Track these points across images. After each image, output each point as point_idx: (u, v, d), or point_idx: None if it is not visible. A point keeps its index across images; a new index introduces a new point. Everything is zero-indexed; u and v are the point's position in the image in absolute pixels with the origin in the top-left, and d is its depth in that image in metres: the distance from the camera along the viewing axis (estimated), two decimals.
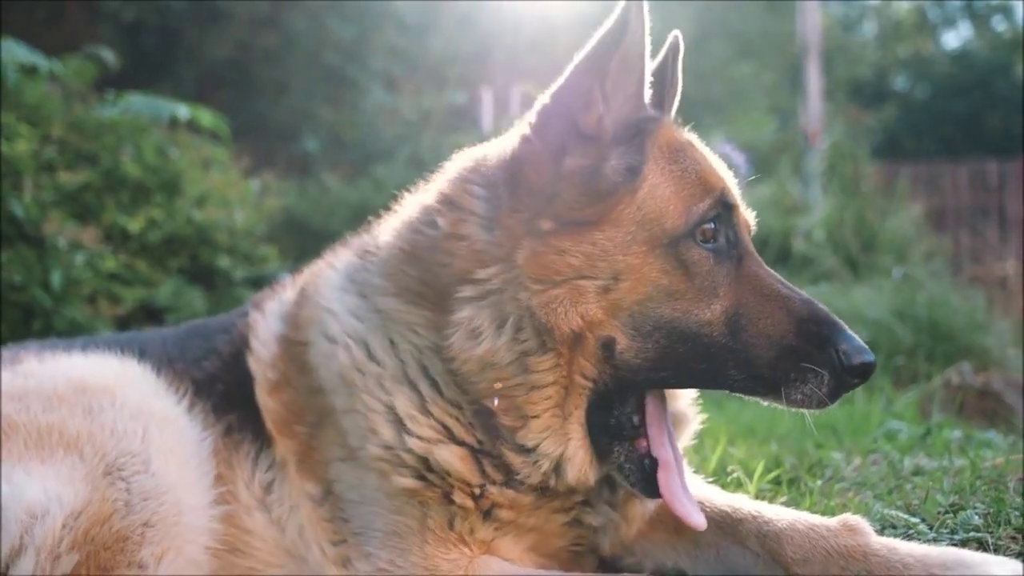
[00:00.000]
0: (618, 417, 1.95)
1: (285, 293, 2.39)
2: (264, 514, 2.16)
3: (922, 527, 2.24)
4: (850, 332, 1.89)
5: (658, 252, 1.90)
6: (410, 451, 1.97)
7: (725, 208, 1.97)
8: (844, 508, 2.40)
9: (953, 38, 40.00)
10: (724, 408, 4.63)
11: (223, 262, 6.25)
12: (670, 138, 2.04)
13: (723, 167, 2.10)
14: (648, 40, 1.97)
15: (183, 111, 6.12)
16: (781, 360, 1.87)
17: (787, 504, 2.52)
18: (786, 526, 2.03)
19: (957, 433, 3.75)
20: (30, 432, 1.98)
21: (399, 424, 1.99)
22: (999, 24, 38.72)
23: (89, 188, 5.73)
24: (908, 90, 34.51)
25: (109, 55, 6.66)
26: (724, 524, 2.15)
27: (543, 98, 2.02)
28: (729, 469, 2.80)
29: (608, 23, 1.92)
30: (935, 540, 2.13)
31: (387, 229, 2.21)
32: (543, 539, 2.05)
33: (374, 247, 2.20)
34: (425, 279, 2.03)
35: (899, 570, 1.83)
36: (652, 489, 1.95)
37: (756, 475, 2.73)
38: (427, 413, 1.99)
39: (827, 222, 8.87)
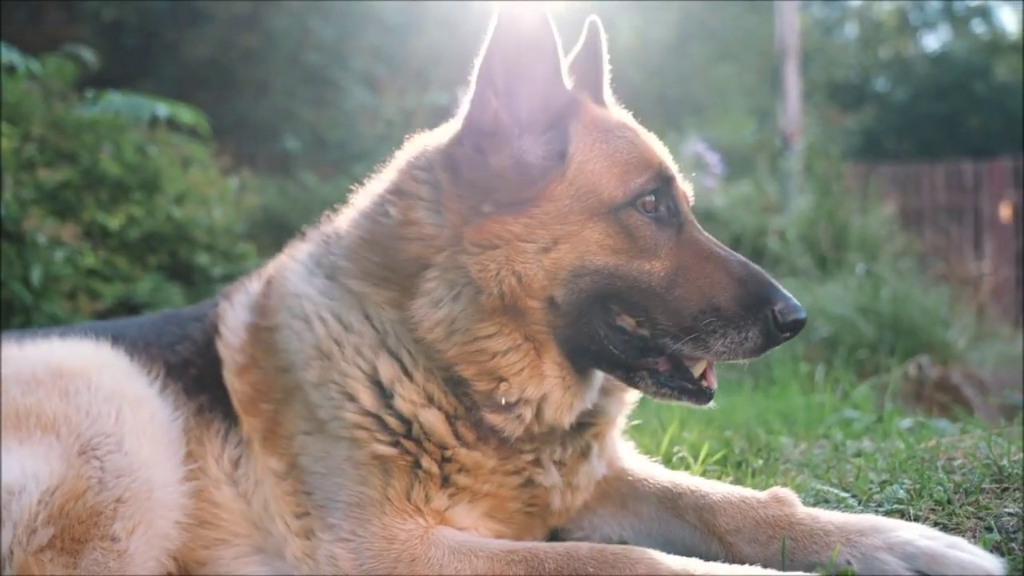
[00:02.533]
0: (600, 343, 2.09)
1: (252, 285, 2.52)
2: (232, 488, 2.28)
3: (851, 501, 2.39)
4: (784, 291, 2.05)
5: (598, 219, 2.06)
6: (396, 414, 2.11)
7: (663, 181, 2.14)
8: (784, 486, 2.53)
9: (933, 40, 40.33)
10: None
11: (202, 259, 6.33)
12: (598, 117, 2.21)
13: (658, 143, 2.26)
14: (542, 32, 2.11)
15: (162, 109, 6.20)
16: (709, 313, 2.01)
17: (732, 483, 2.66)
18: (720, 499, 2.18)
19: (908, 422, 3.89)
20: (9, 415, 2.08)
21: (381, 389, 2.13)
22: (978, 27, 39.09)
23: (69, 186, 5.80)
24: (888, 91, 34.77)
25: (89, 54, 6.73)
26: (665, 499, 2.29)
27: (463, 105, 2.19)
28: (675, 450, 2.94)
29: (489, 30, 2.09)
30: (862, 512, 2.26)
31: (346, 220, 2.35)
32: (498, 503, 2.19)
33: (335, 236, 2.34)
34: (387, 264, 2.18)
35: (820, 536, 1.98)
36: (696, 381, 2.10)
37: (701, 456, 2.86)
38: (411, 379, 2.13)
39: (800, 221, 9.04)
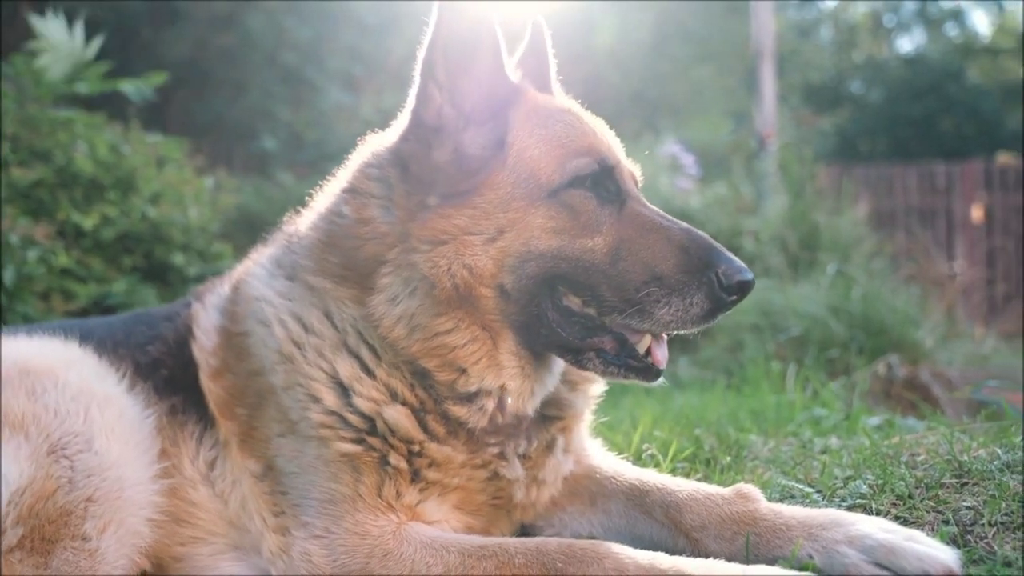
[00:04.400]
0: (549, 327, 2.14)
1: (222, 287, 2.54)
2: (208, 488, 2.31)
3: (816, 496, 2.43)
4: (729, 254, 2.09)
5: (539, 203, 2.12)
6: (357, 412, 2.14)
7: (602, 163, 2.18)
8: (751, 482, 2.57)
9: (907, 43, 40.74)
10: (653, 395, 4.82)
11: (177, 259, 6.31)
12: (539, 105, 2.27)
13: (603, 127, 2.33)
14: (483, 26, 2.16)
15: (131, 90, 6.14)
16: (652, 283, 2.06)
17: (700, 480, 2.70)
18: (686, 496, 2.22)
19: (876, 419, 3.95)
20: None
21: (342, 389, 2.16)
22: (951, 30, 39.53)
23: (42, 185, 5.76)
24: (863, 94, 35.06)
25: None
26: (633, 496, 2.33)
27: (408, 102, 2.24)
28: (645, 447, 2.97)
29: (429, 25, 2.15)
30: (826, 507, 2.31)
31: (306, 221, 2.41)
32: (466, 496, 2.22)
33: (296, 237, 2.38)
34: (345, 263, 2.22)
35: (783, 531, 2.02)
36: (642, 358, 2.15)
37: (671, 453, 2.90)
38: (372, 375, 2.17)
39: (773, 222, 9.11)
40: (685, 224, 2.17)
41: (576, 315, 2.14)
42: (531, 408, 2.23)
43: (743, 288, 2.07)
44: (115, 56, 7.35)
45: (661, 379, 2.19)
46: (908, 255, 9.87)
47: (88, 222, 5.80)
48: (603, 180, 2.18)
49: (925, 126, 30.75)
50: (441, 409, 2.17)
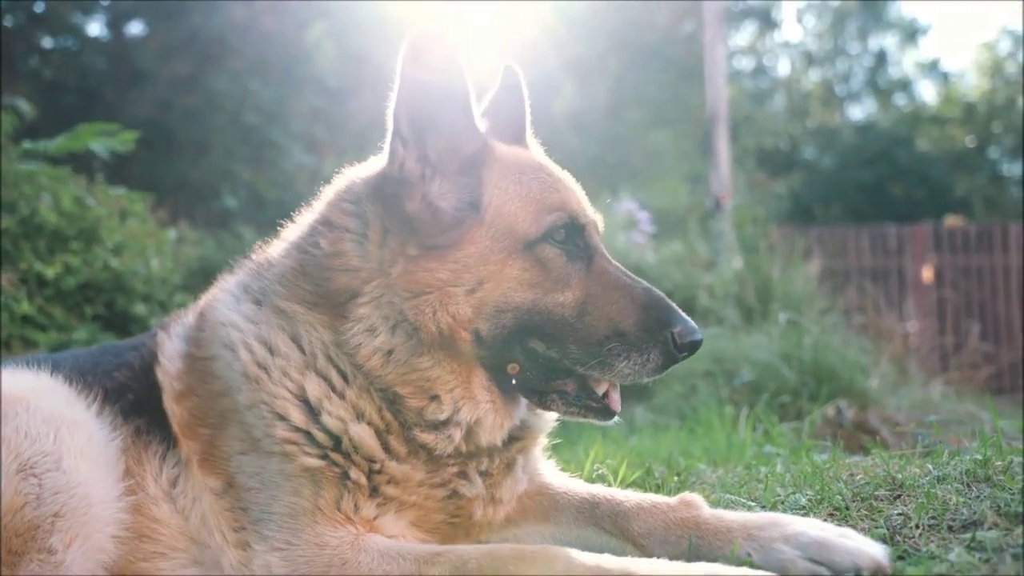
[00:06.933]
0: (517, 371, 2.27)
1: (187, 317, 2.63)
2: (170, 504, 2.37)
3: (757, 508, 2.54)
4: (684, 315, 2.25)
5: (515, 256, 2.24)
6: (324, 430, 2.23)
7: (572, 217, 2.32)
8: None
9: (858, 111, 41.97)
10: (609, 437, 4.92)
11: (139, 309, 6.34)
12: (512, 160, 2.40)
13: (571, 181, 2.45)
14: (449, 78, 2.23)
15: (98, 146, 6.22)
16: (613, 338, 2.21)
17: None
18: (633, 505, 2.33)
19: (824, 456, 4.07)
20: None
21: (309, 408, 2.25)
22: (900, 99, 40.86)
23: (6, 234, 5.80)
24: (816, 160, 35.98)
25: (25, 106, 6.79)
26: (583, 509, 2.43)
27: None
28: (596, 467, 3.07)
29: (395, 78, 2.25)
30: None
31: (277, 250, 2.51)
32: (424, 514, 2.31)
33: (267, 264, 2.48)
34: (318, 292, 2.33)
35: (724, 533, 2.13)
36: (600, 400, 2.30)
37: (620, 474, 3.00)
38: (341, 396, 2.26)
39: (729, 279, 9.34)
40: (646, 283, 2.33)
41: (542, 360, 2.27)
42: (500, 440, 2.34)
43: (693, 347, 2.25)
44: (79, 117, 7.44)
45: (616, 419, 2.34)
46: (860, 310, 10.11)
47: (51, 271, 5.83)
48: (573, 236, 2.32)
49: (876, 191, 31.59)
50: (409, 435, 2.27)
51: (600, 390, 2.30)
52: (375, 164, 2.42)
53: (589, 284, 2.28)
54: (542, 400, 2.31)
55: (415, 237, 2.25)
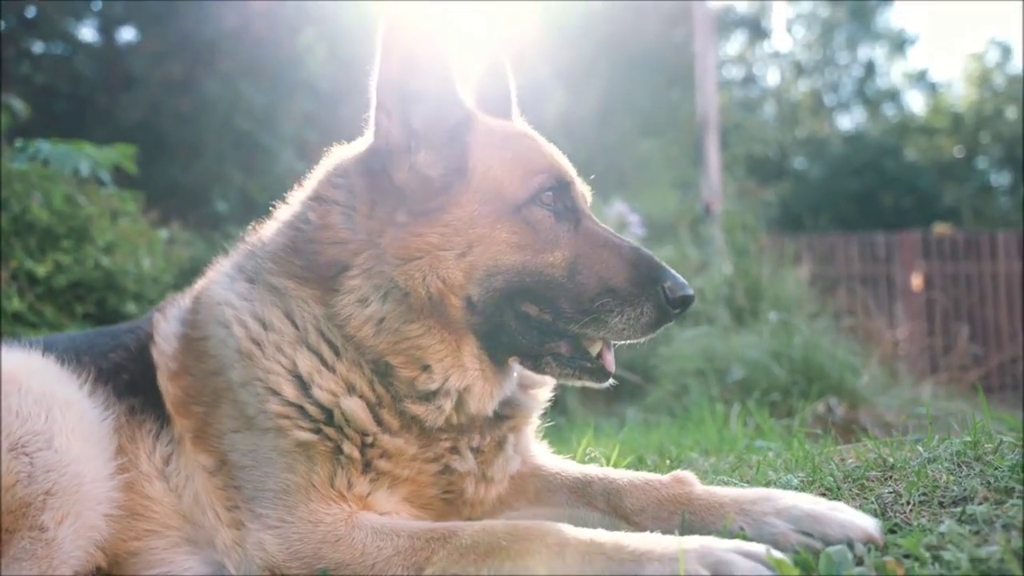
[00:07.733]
0: (510, 334, 2.28)
1: (183, 300, 2.65)
2: (163, 482, 2.37)
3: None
4: (673, 271, 2.26)
5: (504, 219, 2.26)
6: (316, 403, 2.24)
7: (560, 180, 2.35)
8: None
9: (847, 121, 42.23)
10: (601, 433, 4.93)
11: (130, 307, 6.34)
12: (498, 128, 2.45)
13: (558, 152, 2.48)
14: (430, 49, 2.28)
15: (85, 166, 6.23)
16: (605, 294, 2.22)
17: None
18: (626, 483, 2.34)
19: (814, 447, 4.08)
20: None
21: (301, 382, 2.26)
22: (889, 109, 41.13)
23: None
24: (805, 169, 36.16)
25: (18, 104, 6.78)
26: (576, 488, 2.44)
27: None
28: (588, 450, 3.08)
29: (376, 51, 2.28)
30: None
31: (270, 229, 2.53)
32: (417, 489, 2.32)
33: (260, 244, 2.50)
34: (309, 267, 2.34)
35: (716, 508, 2.14)
36: (594, 360, 2.30)
37: (613, 457, 3.01)
38: (332, 370, 2.27)
39: (719, 282, 9.36)
40: (633, 242, 2.35)
41: (535, 323, 2.28)
42: (490, 409, 2.34)
43: (685, 302, 2.25)
44: (71, 121, 7.45)
45: (611, 381, 2.34)
46: (849, 313, 10.15)
47: (42, 269, 5.83)
48: (561, 197, 2.34)
49: (865, 200, 31.75)
50: (400, 407, 2.27)
51: (594, 350, 2.31)
52: (363, 141, 2.45)
53: (578, 244, 2.30)
54: (536, 364, 2.31)
55: (404, 205, 2.27)
